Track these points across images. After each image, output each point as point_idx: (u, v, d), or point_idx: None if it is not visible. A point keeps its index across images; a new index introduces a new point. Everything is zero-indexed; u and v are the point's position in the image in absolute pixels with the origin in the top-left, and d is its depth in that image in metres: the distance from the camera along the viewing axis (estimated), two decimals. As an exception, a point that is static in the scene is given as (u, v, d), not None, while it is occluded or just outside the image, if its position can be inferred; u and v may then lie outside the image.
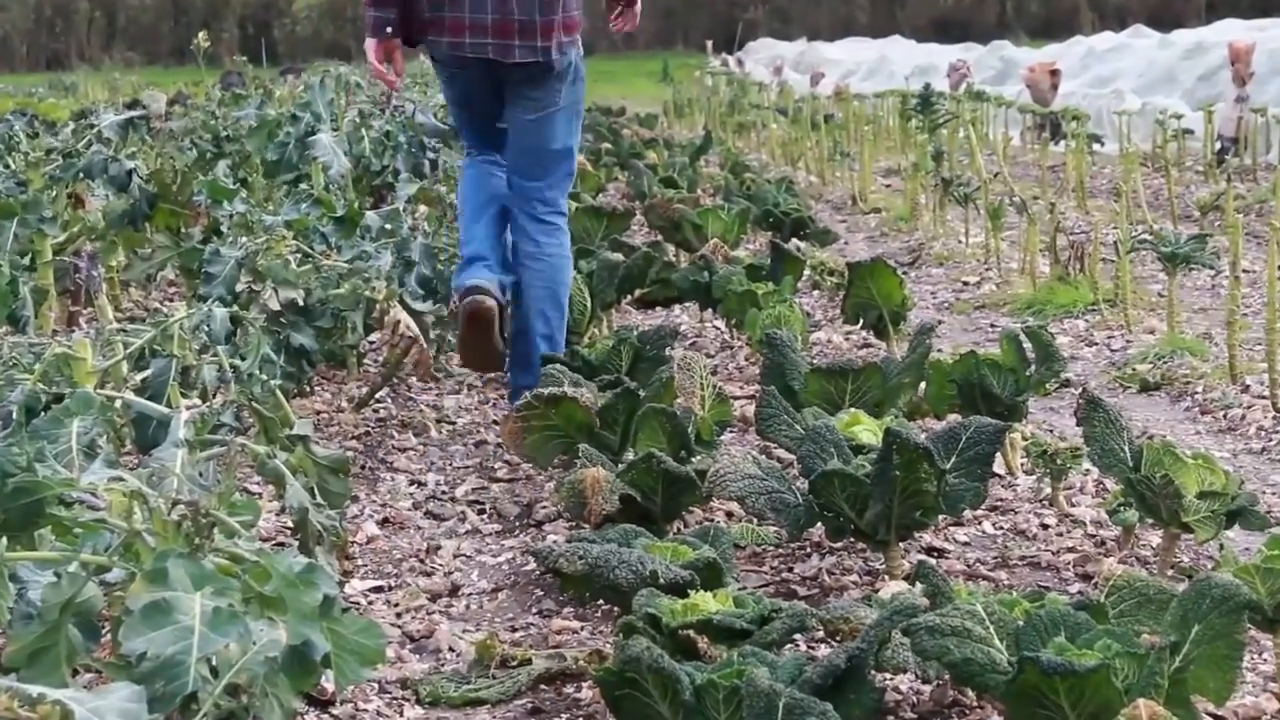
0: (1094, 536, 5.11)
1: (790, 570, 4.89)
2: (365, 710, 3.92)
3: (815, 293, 9.51)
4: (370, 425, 6.68)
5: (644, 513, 4.96)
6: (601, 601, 4.54)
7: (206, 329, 5.14)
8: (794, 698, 3.28)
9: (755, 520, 5.00)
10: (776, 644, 3.81)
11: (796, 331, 6.85)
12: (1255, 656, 4.09)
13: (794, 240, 10.34)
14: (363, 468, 6.04)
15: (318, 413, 6.64)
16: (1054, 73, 17.85)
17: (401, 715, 3.93)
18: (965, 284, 10.07)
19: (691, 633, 3.83)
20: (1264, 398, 6.56)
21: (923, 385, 5.91)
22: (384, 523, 5.46)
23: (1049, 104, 17.31)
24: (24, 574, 2.89)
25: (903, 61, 29.32)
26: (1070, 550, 4.98)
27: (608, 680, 3.57)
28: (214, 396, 4.91)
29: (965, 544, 5.11)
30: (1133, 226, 9.91)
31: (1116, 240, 8.33)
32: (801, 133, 18.80)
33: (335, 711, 3.89)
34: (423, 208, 9.00)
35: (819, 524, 4.73)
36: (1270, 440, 6.18)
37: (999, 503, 5.45)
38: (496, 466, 6.13)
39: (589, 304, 7.55)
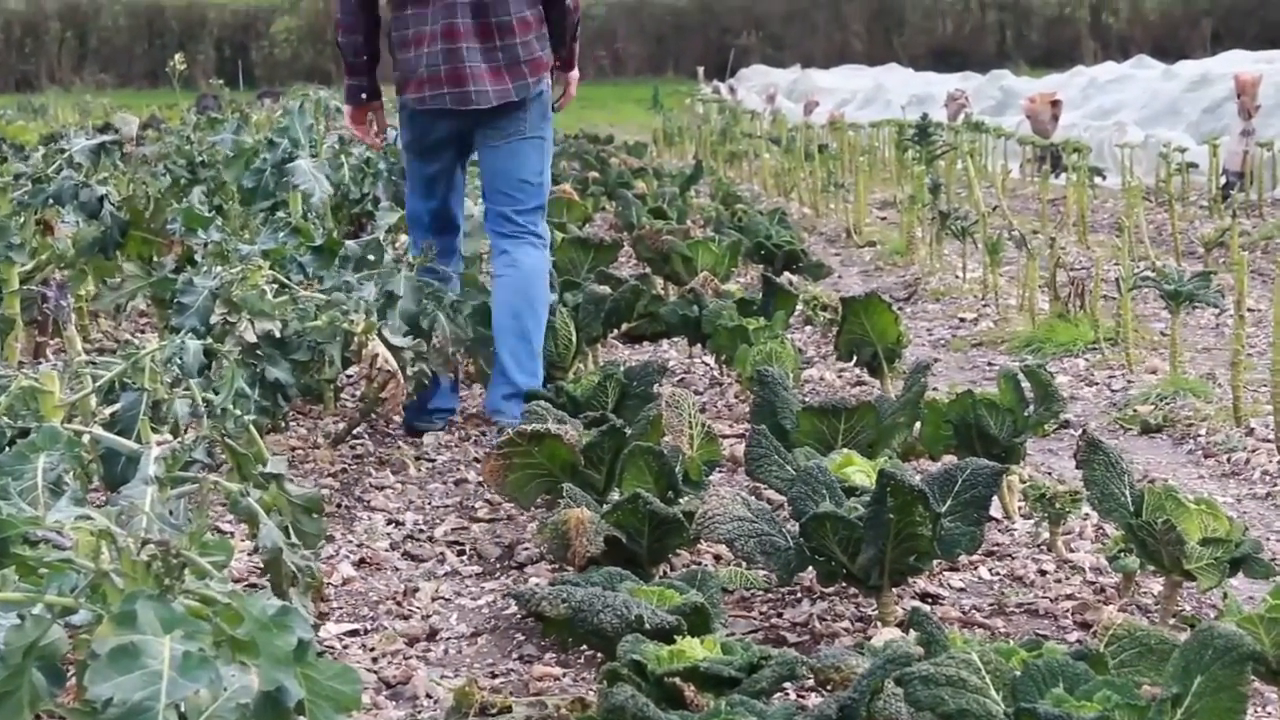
0: (1093, 583, 5.01)
1: (780, 616, 4.78)
2: (337, 761, 3.78)
3: (808, 328, 9.40)
4: (347, 462, 6.54)
5: (629, 555, 4.84)
6: (585, 647, 4.43)
7: (179, 361, 5.03)
8: (784, 750, 3.17)
9: (744, 564, 4.89)
10: (766, 693, 3.71)
11: (788, 368, 6.75)
12: (1259, 709, 4.00)
13: (786, 274, 10.26)
14: (338, 506, 5.90)
15: (292, 449, 6.51)
16: (1055, 103, 17.74)
17: (376, 765, 3.81)
18: (962, 320, 9.97)
19: (678, 680, 3.73)
20: (1269, 441, 6.44)
21: (918, 425, 5.79)
22: (360, 563, 5.33)
23: (1049, 135, 17.22)
24: (-13, 615, 2.78)
25: (899, 90, 29.33)
26: (1069, 597, 4.87)
27: (591, 729, 3.46)
28: (186, 432, 4.78)
29: (960, 590, 5.00)
30: (1135, 263, 9.81)
31: (1118, 277, 8.21)
32: (795, 163, 18.74)
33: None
34: (404, 237, 8.88)
35: (810, 568, 4.62)
36: (1275, 485, 6.07)
37: (995, 547, 5.34)
38: (477, 506, 6.00)
39: (574, 338, 7.44)
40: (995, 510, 5.43)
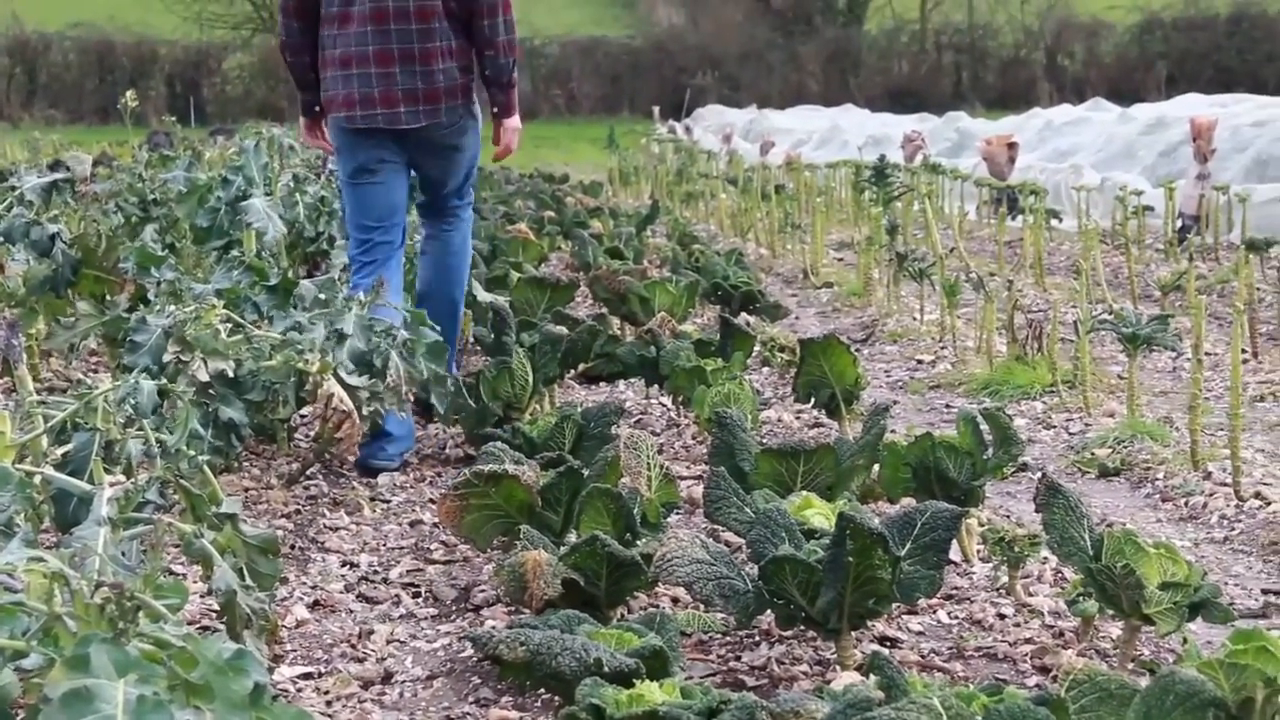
0: (1052, 627, 4.98)
1: (738, 659, 4.74)
2: (290, 808, 3.73)
3: (765, 369, 9.38)
4: (301, 503, 6.49)
5: (587, 598, 4.81)
6: (542, 690, 4.39)
7: (133, 401, 4.97)
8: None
9: (702, 606, 4.85)
10: (725, 737, 3.66)
11: (746, 410, 6.74)
12: (1221, 757, 3.92)
13: (743, 315, 10.25)
14: (292, 548, 5.85)
15: (246, 489, 6.46)
16: (1011, 145, 17.81)
17: (329, 813, 3.76)
18: (920, 362, 9.96)
19: (637, 725, 3.67)
20: (1226, 485, 6.44)
21: (876, 467, 5.77)
22: (314, 605, 5.28)
23: (1006, 178, 17.28)
24: (-65, 660, 2.74)
25: (855, 131, 29.47)
26: (1028, 641, 4.84)
27: (548, 777, 3.43)
28: (138, 472, 4.72)
29: (919, 633, 4.97)
30: (1092, 305, 9.82)
31: (1076, 320, 8.22)
32: (751, 203, 18.75)
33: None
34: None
35: (769, 611, 4.58)
36: (1233, 529, 6.06)
37: (954, 591, 5.31)
38: (432, 547, 5.95)
39: (530, 378, 7.41)
40: (954, 553, 5.41)
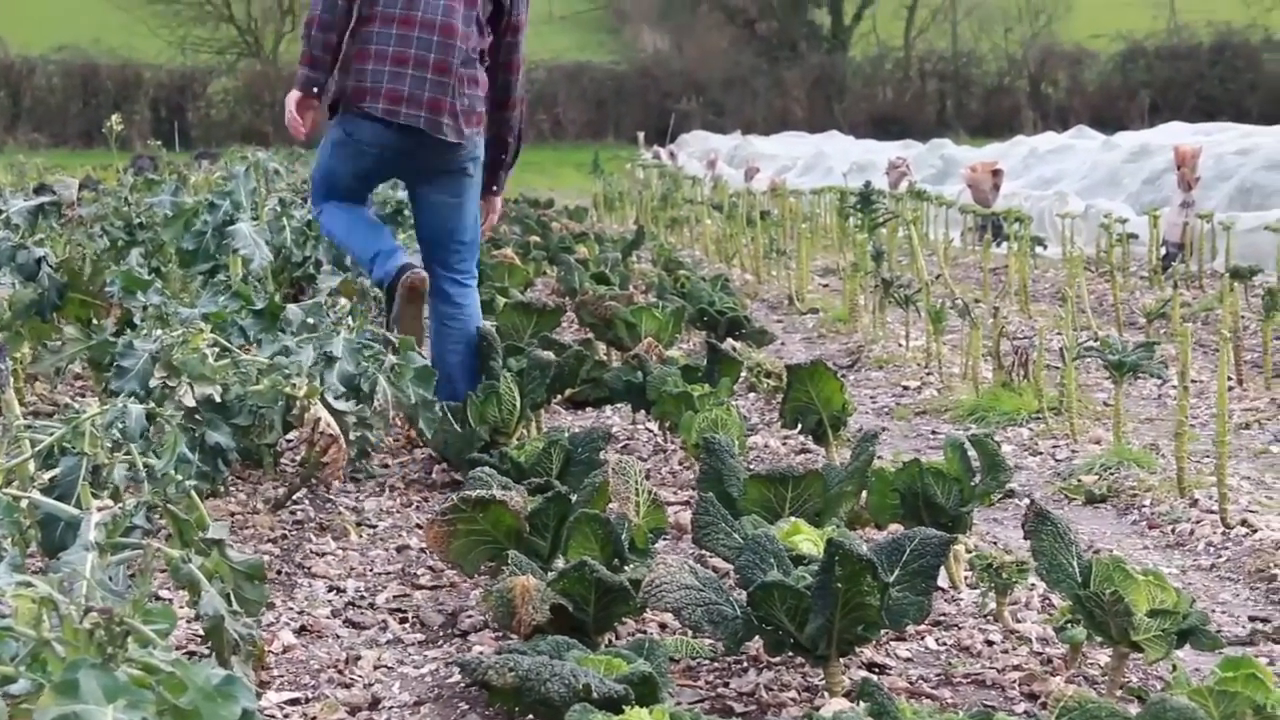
0: (1040, 654, 4.97)
1: (726, 685, 4.72)
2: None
3: (751, 395, 9.38)
4: (287, 528, 6.46)
5: (575, 623, 4.79)
6: (531, 717, 4.35)
7: (120, 426, 4.95)
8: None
9: (691, 632, 4.84)
10: (714, 764, 3.66)
11: (734, 436, 6.72)
12: (1211, 785, 3.91)
13: (729, 340, 10.23)
14: (279, 573, 5.83)
15: (232, 514, 6.43)
16: (996, 173, 17.82)
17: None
18: (906, 389, 9.96)
19: (626, 752, 3.65)
20: (1213, 512, 6.44)
21: (864, 494, 5.76)
22: (301, 631, 5.25)
23: (990, 205, 17.29)
24: (-76, 686, 2.73)
25: (840, 157, 29.49)
26: (1016, 668, 4.83)
27: (536, 804, 3.41)
28: (126, 497, 4.71)
29: (908, 660, 4.96)
30: (1078, 333, 9.83)
31: (1062, 346, 8.22)
32: (736, 229, 18.76)
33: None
34: (344, 301, 8.83)
35: (757, 637, 4.57)
36: (1219, 557, 6.06)
37: (942, 617, 5.30)
38: (420, 573, 5.93)
39: (518, 403, 7.40)
40: (942, 580, 5.41)
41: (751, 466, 6.14)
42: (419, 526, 6.46)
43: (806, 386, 7.02)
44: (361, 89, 7.55)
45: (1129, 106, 54.20)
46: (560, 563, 5.16)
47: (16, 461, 4.46)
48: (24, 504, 4.04)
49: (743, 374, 8.75)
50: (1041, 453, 7.94)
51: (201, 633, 4.60)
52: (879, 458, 6.08)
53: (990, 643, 5.07)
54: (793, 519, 5.16)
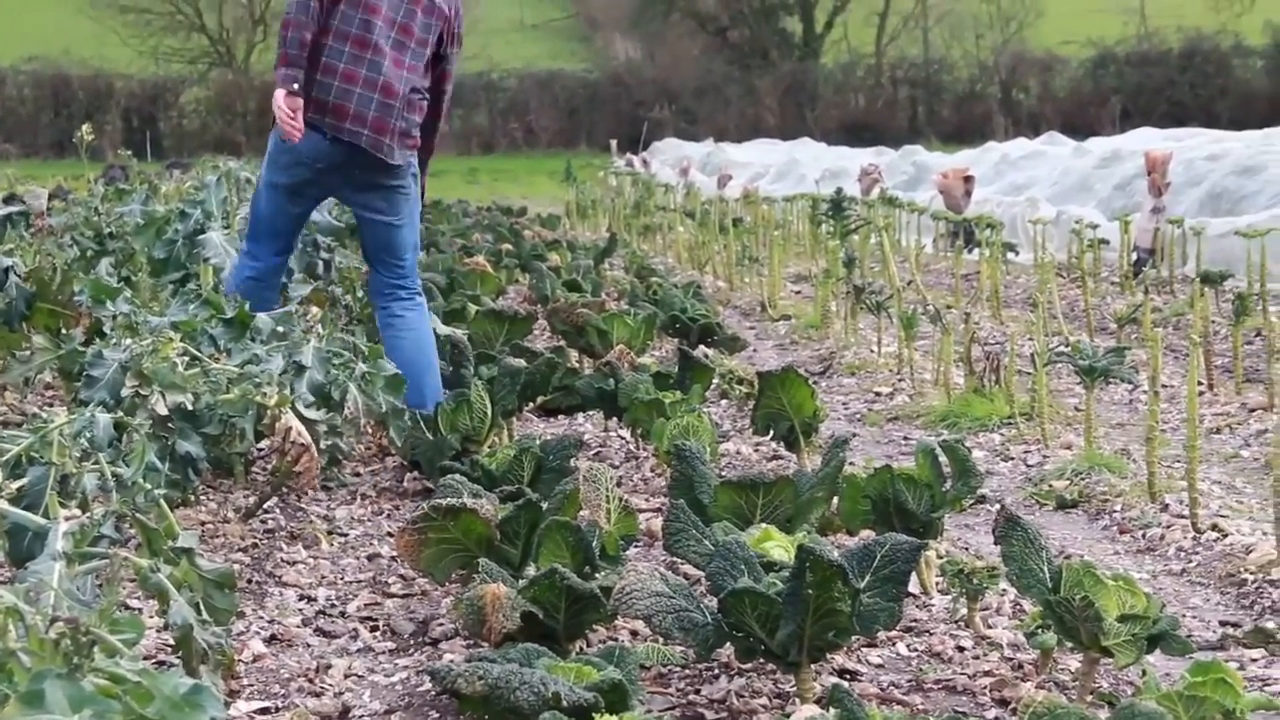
0: (1011, 659, 4.97)
1: (698, 692, 4.71)
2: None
3: (724, 402, 9.38)
4: (258, 537, 6.44)
5: (546, 631, 4.77)
6: (500, 725, 4.35)
7: (88, 435, 4.93)
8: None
9: (662, 639, 4.82)
10: (685, 772, 3.66)
11: (705, 442, 6.71)
12: (1180, 789, 3.92)
13: (702, 347, 10.24)
14: (249, 581, 5.80)
15: (202, 523, 6.41)
16: (967, 179, 17.89)
17: None
18: (878, 395, 9.97)
19: (596, 760, 3.65)
20: (1183, 517, 6.45)
21: (836, 500, 5.76)
22: (271, 640, 5.23)
23: (962, 211, 17.35)
24: (-113, 697, 2.71)
25: (812, 164, 29.53)
26: (986, 674, 4.83)
27: (506, 813, 3.40)
28: (94, 506, 4.69)
29: (879, 666, 4.96)
30: (1049, 338, 9.84)
31: (1033, 352, 8.24)
32: (709, 236, 18.78)
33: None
34: (315, 309, 8.82)
35: (728, 644, 4.56)
36: (1190, 561, 6.07)
37: (913, 623, 5.30)
38: (390, 581, 5.91)
39: (489, 411, 7.39)
40: (913, 586, 5.40)
41: (723, 473, 6.13)
42: (390, 534, 6.44)
43: (778, 393, 7.02)
44: (309, 99, 7.69)
45: (1100, 112, 54.38)
46: (531, 570, 5.14)
47: (-16, 471, 4.44)
48: (-8, 514, 4.02)
49: (714, 381, 8.74)
50: (1013, 458, 7.95)
51: (171, 642, 4.59)
52: (850, 464, 6.08)
53: (961, 648, 5.07)
54: (764, 525, 5.17)
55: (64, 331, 7.32)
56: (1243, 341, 9.61)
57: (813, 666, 4.57)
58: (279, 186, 7.91)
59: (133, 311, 6.25)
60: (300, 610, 5.57)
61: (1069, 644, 4.54)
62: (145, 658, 4.66)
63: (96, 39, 58.21)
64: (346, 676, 4.92)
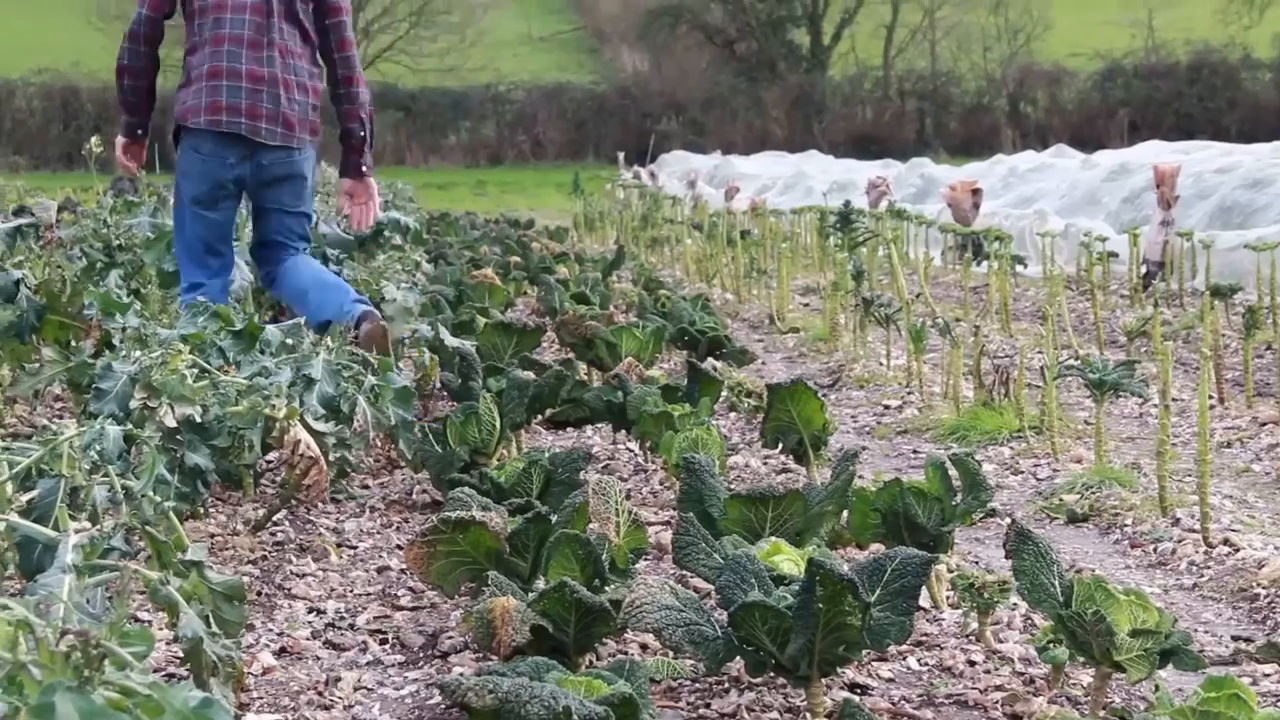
0: (1022, 674, 4.95)
1: (708, 706, 4.70)
2: None
3: (732, 414, 9.36)
4: (267, 549, 6.43)
5: (555, 644, 4.76)
6: (510, 739, 4.33)
7: (98, 447, 4.92)
8: None
9: (672, 653, 4.82)
10: (695, 788, 3.65)
11: (714, 455, 6.70)
12: (1194, 805, 3.90)
13: (710, 360, 10.22)
14: (258, 594, 5.79)
15: (212, 536, 6.39)
16: (976, 192, 17.86)
17: None
18: (887, 408, 9.95)
19: (606, 774, 3.64)
20: (1195, 531, 6.43)
21: (845, 513, 5.74)
22: (281, 652, 5.22)
23: (970, 223, 17.32)
24: (-103, 710, 2.70)
25: (820, 177, 29.54)
26: (998, 688, 4.81)
27: (514, 830, 3.38)
28: (104, 519, 4.68)
29: (889, 680, 4.94)
30: (1058, 351, 9.82)
31: (1043, 365, 8.22)
32: (717, 249, 18.76)
33: None
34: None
35: (738, 658, 4.54)
36: (1202, 576, 6.05)
37: (924, 637, 5.28)
38: (400, 594, 5.90)
39: (498, 424, 7.37)
40: (924, 600, 5.39)
41: (732, 486, 6.12)
42: (399, 547, 6.43)
43: (787, 406, 7.00)
44: (185, 109, 8.28)
45: (1108, 125, 54.40)
46: (541, 583, 5.13)
47: (-6, 484, 4.43)
48: (1, 526, 4.01)
49: (723, 393, 8.72)
50: (1023, 472, 7.93)
51: (180, 655, 4.58)
52: (860, 477, 6.07)
53: (972, 663, 5.05)
54: (773, 539, 5.14)
55: (73, 344, 7.31)
56: (1253, 355, 9.59)
57: (823, 681, 4.55)
58: (199, 199, 8.30)
59: (142, 324, 6.25)
60: (310, 623, 5.56)
61: (1081, 659, 4.51)
62: (155, 670, 4.65)
63: (106, 51, 57.91)
64: (356, 689, 4.90)
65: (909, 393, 10.18)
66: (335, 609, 5.72)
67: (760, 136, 56.47)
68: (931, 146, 53.18)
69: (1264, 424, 8.82)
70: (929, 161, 29.60)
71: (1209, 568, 6.11)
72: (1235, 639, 5.33)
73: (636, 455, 8.34)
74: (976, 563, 6.14)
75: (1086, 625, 4.32)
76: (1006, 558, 4.59)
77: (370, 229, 9.71)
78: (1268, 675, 4.93)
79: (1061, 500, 7.20)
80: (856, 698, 4.41)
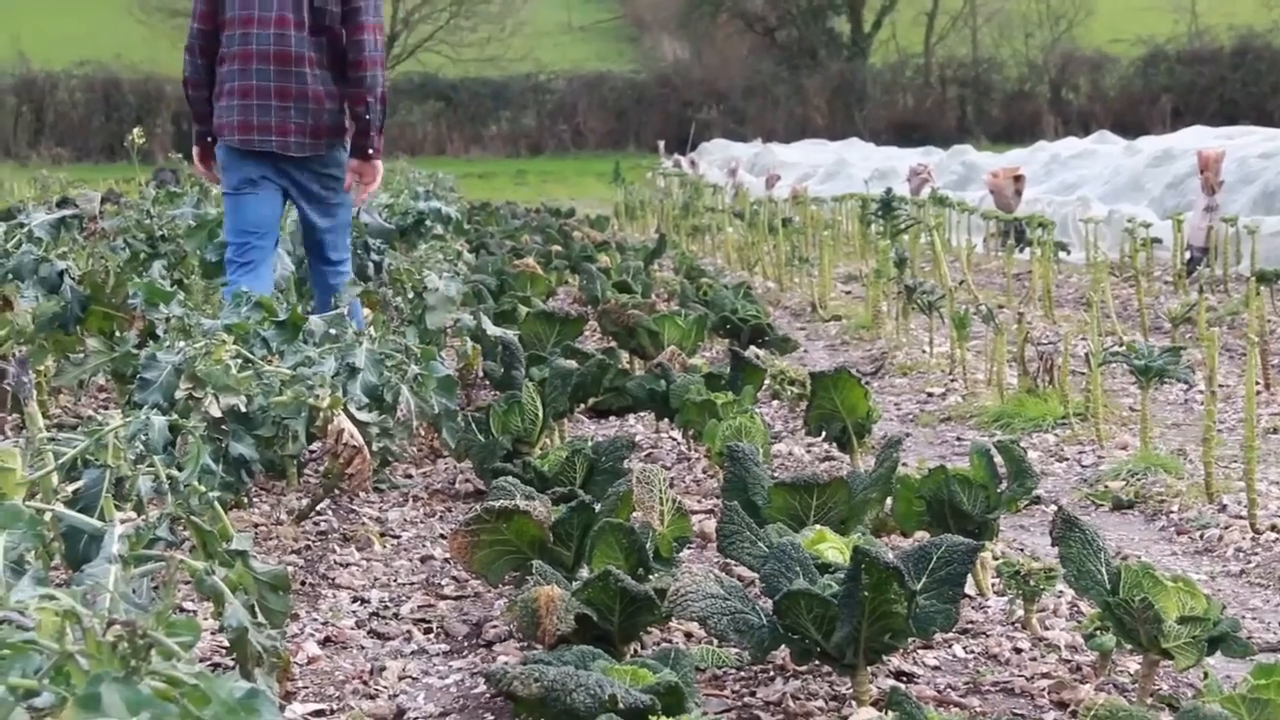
0: (1069, 661, 4.93)
1: (753, 695, 4.69)
2: None
3: (775, 403, 9.34)
4: (311, 539, 6.44)
5: (600, 633, 4.75)
6: (555, 728, 4.33)
7: (143, 438, 4.93)
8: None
9: (717, 641, 4.81)
10: (742, 775, 3.64)
11: (758, 443, 6.68)
12: (1244, 792, 3.87)
13: (753, 348, 10.20)
14: (303, 584, 5.80)
15: (255, 525, 6.41)
16: (1018, 178, 17.82)
17: None
18: (930, 395, 9.92)
19: (653, 762, 3.63)
20: (1241, 518, 6.40)
21: (889, 501, 5.72)
22: (325, 642, 5.23)
23: (1013, 210, 17.28)
24: (-54, 700, 2.70)
25: (861, 164, 29.50)
26: (1044, 676, 4.79)
27: (561, 817, 3.38)
28: (149, 509, 4.68)
29: (935, 668, 4.92)
30: (1103, 338, 9.78)
31: (1087, 352, 8.18)
32: (758, 237, 18.75)
33: None
34: (367, 311, 8.82)
35: (783, 646, 4.53)
36: (1249, 562, 6.02)
37: (970, 625, 5.26)
38: (444, 583, 5.90)
39: (540, 412, 7.36)
40: (969, 587, 5.37)
41: (776, 474, 6.10)
42: (443, 536, 6.43)
43: (831, 394, 6.98)
44: (220, 124, 8.37)
45: (1151, 111, 54.15)
46: (585, 572, 5.12)
47: (40, 474, 4.43)
48: (47, 517, 4.01)
49: (766, 382, 8.70)
50: (1068, 459, 7.90)
51: (226, 644, 4.59)
52: (904, 465, 6.05)
53: (1019, 650, 5.03)
54: (818, 527, 5.13)
55: (118, 334, 7.32)
56: (1299, 340, 9.55)
57: (869, 669, 4.54)
58: (229, 195, 8.45)
59: (186, 314, 6.24)
60: (354, 612, 5.56)
61: (1128, 646, 4.50)
62: (200, 660, 4.66)
63: (147, 43, 58.36)
64: (401, 679, 4.91)
65: (952, 380, 10.15)
66: (379, 598, 5.73)
67: (801, 124, 56.36)
68: (973, 133, 53.08)
69: (1310, 410, 8.78)
70: (970, 149, 29.51)
71: (1256, 554, 6.08)
72: (1283, 626, 5.31)
73: (679, 444, 8.32)
74: (1022, 550, 6.12)
75: (1134, 612, 4.29)
76: (1053, 544, 4.57)
77: (412, 218, 9.70)
78: (1317, 662, 4.89)
79: (1107, 487, 7.17)
80: (902, 685, 4.40)
